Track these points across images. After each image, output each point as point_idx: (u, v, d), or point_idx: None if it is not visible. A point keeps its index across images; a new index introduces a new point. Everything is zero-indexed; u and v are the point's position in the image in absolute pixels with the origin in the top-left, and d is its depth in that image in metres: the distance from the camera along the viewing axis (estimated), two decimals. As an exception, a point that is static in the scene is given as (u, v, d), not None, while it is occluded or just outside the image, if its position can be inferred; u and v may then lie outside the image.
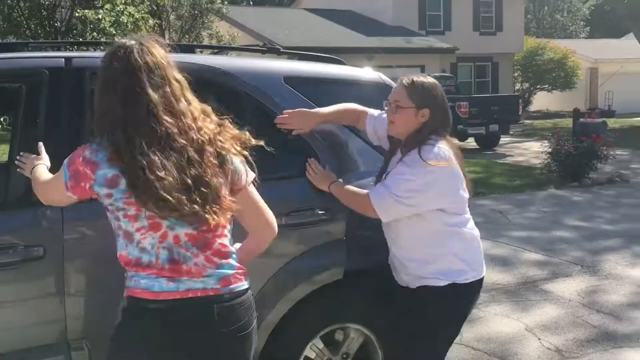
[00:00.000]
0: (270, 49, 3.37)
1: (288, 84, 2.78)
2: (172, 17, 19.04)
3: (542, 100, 28.70)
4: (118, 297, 2.38)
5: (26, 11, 12.52)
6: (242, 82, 2.66)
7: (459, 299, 2.48)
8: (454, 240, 2.45)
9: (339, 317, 2.80)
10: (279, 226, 2.09)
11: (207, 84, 2.42)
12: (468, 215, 2.52)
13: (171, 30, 18.99)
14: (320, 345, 2.76)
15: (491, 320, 4.54)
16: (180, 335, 1.82)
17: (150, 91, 1.79)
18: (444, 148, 2.39)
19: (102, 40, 10.88)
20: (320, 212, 2.66)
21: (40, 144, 2.22)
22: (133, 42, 1.84)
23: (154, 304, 1.81)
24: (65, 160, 1.87)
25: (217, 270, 1.87)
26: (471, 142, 15.95)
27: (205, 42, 18.73)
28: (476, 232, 2.54)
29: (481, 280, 2.52)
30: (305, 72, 2.99)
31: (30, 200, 2.19)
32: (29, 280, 2.25)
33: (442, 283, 2.43)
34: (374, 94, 3.13)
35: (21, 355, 2.23)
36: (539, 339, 4.22)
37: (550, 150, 10.73)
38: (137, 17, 12.77)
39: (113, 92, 1.79)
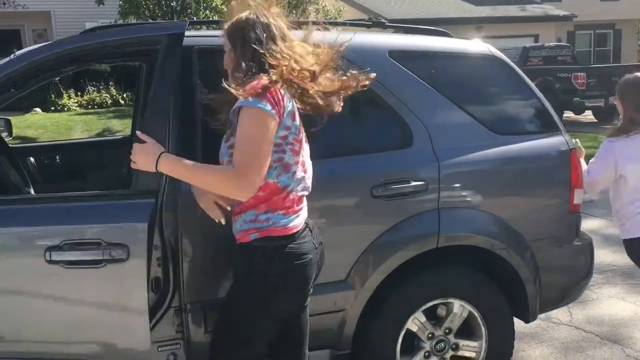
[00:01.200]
0: (375, 23, 3.36)
1: (393, 58, 2.77)
2: (279, -8, 19.32)
3: (670, 70, 26.46)
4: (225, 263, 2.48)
5: (145, -9, 13.20)
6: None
7: None
8: None
9: (442, 292, 2.79)
10: (374, 197, 2.46)
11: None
12: None
13: (279, 6, 19.27)
14: (423, 319, 2.77)
15: (604, 303, 4.34)
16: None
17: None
18: None
19: (214, 18, 11.27)
20: (415, 183, 2.66)
21: (139, 132, 2.15)
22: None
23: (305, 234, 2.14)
24: (261, 105, 1.95)
25: None
26: (588, 115, 15.05)
27: (312, 17, 18.86)
28: None
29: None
30: (410, 45, 2.95)
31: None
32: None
33: None
34: (483, 67, 3.06)
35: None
36: (657, 324, 3.99)
37: (678, 124, 9.91)
38: (247, -6, 13.09)
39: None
